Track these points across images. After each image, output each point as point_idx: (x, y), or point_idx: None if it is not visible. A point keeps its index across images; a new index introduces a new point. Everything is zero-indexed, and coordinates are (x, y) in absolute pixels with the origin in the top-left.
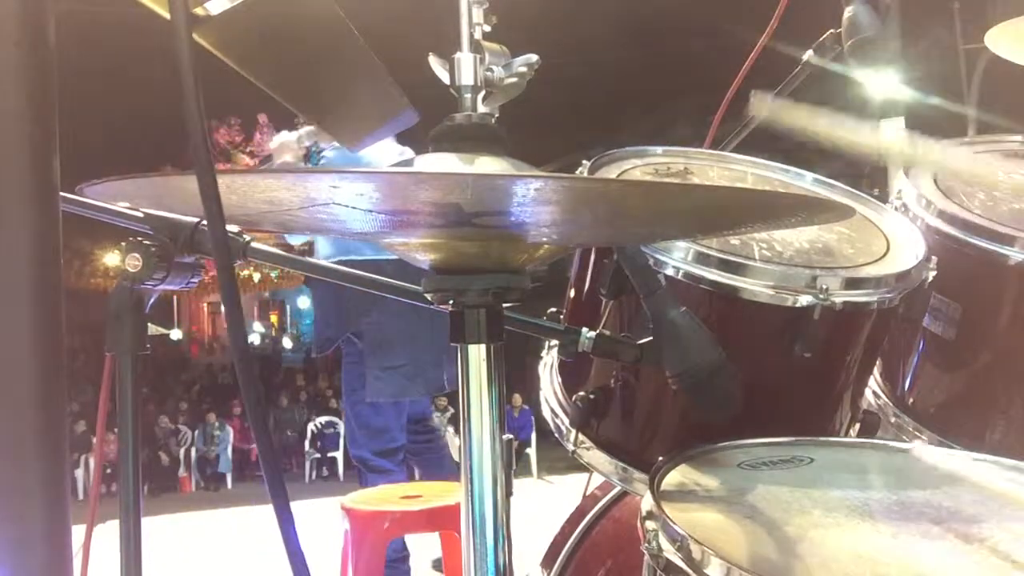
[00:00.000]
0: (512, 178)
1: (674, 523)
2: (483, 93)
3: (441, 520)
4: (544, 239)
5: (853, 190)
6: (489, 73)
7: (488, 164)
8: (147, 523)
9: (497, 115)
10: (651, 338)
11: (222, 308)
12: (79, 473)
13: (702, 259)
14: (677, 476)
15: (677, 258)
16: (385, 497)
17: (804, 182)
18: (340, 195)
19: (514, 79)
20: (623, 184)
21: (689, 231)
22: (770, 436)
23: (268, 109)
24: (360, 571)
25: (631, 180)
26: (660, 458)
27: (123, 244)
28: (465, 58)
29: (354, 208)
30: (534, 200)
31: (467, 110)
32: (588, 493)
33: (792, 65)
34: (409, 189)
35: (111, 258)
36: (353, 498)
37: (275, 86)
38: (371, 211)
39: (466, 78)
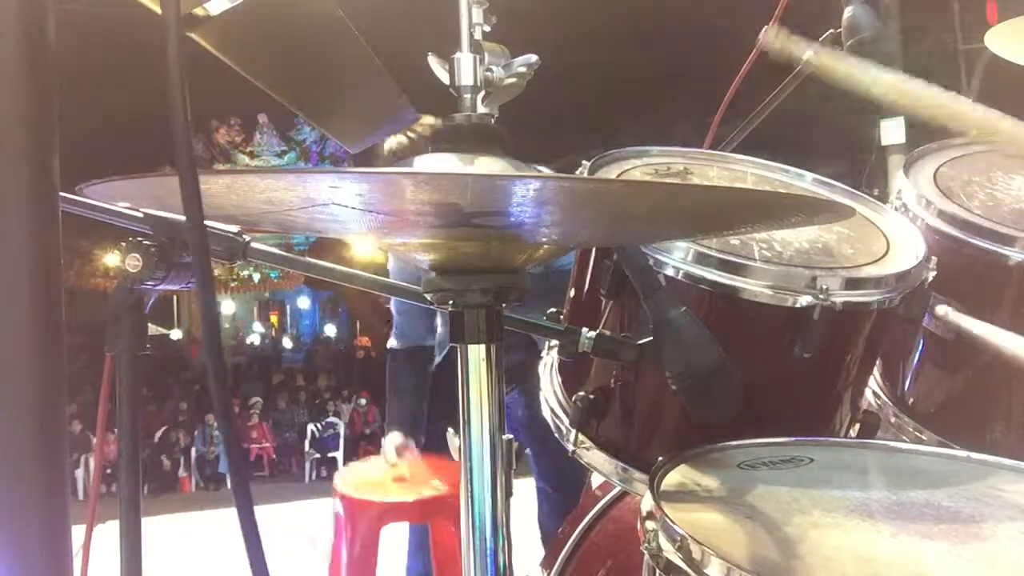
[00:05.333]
0: (512, 178)
1: (674, 523)
2: (483, 93)
3: (431, 510)
4: (544, 239)
5: (853, 190)
6: (489, 73)
7: (488, 164)
8: (147, 523)
9: (497, 115)
10: (651, 338)
11: (223, 307)
12: (79, 473)
13: (702, 259)
14: (677, 476)
15: (677, 258)
16: (377, 482)
17: (804, 182)
18: (339, 195)
19: (514, 79)
20: (623, 184)
21: (689, 231)
22: (770, 436)
23: (268, 109)
24: (354, 557)
25: (631, 180)
26: (660, 458)
27: (123, 244)
28: (465, 58)
29: (353, 208)
30: (534, 200)
31: (467, 110)
32: (588, 493)
33: (792, 65)
34: (409, 189)
35: (111, 258)
36: (345, 477)
37: (275, 86)
38: (370, 211)
39: (466, 78)
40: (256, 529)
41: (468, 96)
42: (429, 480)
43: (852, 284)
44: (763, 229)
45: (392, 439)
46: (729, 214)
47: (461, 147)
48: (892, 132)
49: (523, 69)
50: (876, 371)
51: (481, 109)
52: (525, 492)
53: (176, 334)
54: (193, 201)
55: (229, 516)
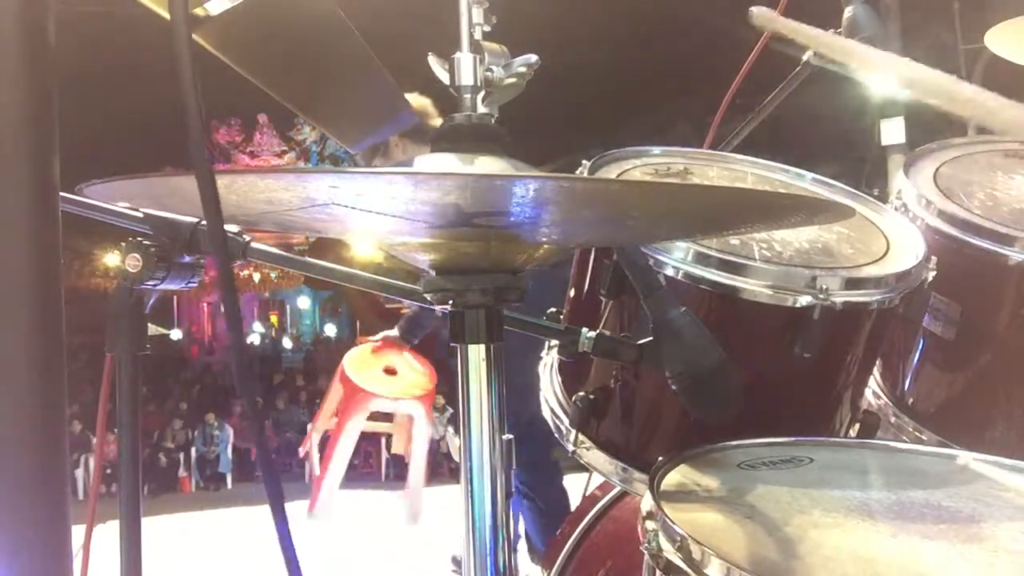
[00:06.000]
0: (512, 178)
1: (674, 523)
2: (483, 93)
3: (406, 408)
4: (544, 239)
5: (853, 190)
6: (489, 73)
7: (488, 164)
8: (147, 523)
9: (497, 115)
10: (651, 338)
11: (222, 308)
12: (79, 473)
13: (702, 259)
14: (677, 476)
15: (677, 258)
16: (372, 369)
17: (804, 182)
18: (340, 196)
19: (514, 79)
20: (623, 184)
21: (689, 231)
22: (770, 436)
23: (268, 109)
24: (340, 419)
25: (631, 180)
26: (660, 458)
27: (123, 244)
28: (465, 58)
29: (353, 209)
30: (534, 200)
31: (467, 110)
32: (588, 493)
33: (792, 65)
34: (409, 189)
35: (111, 258)
36: (351, 357)
37: (275, 86)
38: (371, 211)
39: (466, 78)
40: (288, 528)
41: (468, 96)
42: (410, 382)
43: (852, 284)
44: (763, 229)
45: (387, 331)
46: (729, 214)
47: (461, 147)
48: (892, 132)
49: (523, 69)
50: (876, 371)
51: (481, 109)
52: None
53: (176, 334)
54: (212, 206)
55: (229, 516)
